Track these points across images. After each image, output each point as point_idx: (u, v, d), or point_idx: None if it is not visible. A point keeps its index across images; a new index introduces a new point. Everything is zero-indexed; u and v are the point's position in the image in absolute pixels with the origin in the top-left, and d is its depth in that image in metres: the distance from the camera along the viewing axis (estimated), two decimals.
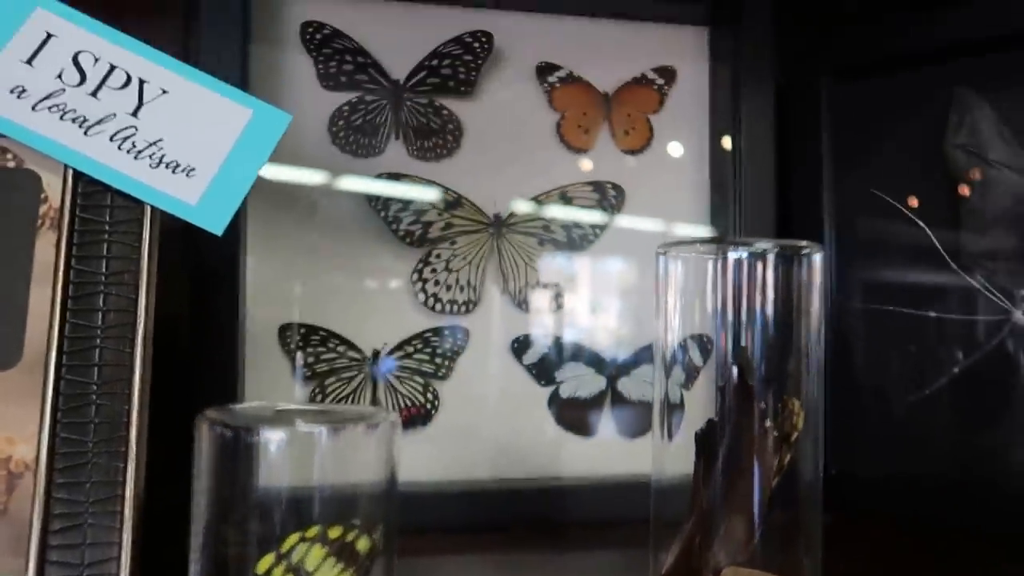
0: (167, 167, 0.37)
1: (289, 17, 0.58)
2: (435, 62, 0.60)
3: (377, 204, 0.58)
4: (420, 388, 0.58)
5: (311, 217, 0.57)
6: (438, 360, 0.58)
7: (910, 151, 0.62)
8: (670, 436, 0.38)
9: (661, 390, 0.38)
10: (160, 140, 0.37)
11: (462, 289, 0.59)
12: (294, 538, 0.31)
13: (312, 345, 0.57)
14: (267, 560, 0.30)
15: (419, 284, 0.59)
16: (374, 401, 0.57)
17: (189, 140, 0.38)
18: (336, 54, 0.59)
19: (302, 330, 0.57)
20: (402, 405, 0.58)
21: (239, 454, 0.27)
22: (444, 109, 0.60)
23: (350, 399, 0.57)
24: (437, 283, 0.59)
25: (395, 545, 0.29)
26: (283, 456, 0.27)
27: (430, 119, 0.60)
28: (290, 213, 0.57)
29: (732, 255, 0.35)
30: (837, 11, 0.66)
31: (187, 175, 0.37)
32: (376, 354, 0.58)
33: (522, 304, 0.60)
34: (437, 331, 0.59)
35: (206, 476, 0.28)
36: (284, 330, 0.56)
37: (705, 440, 0.36)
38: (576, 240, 0.62)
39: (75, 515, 0.32)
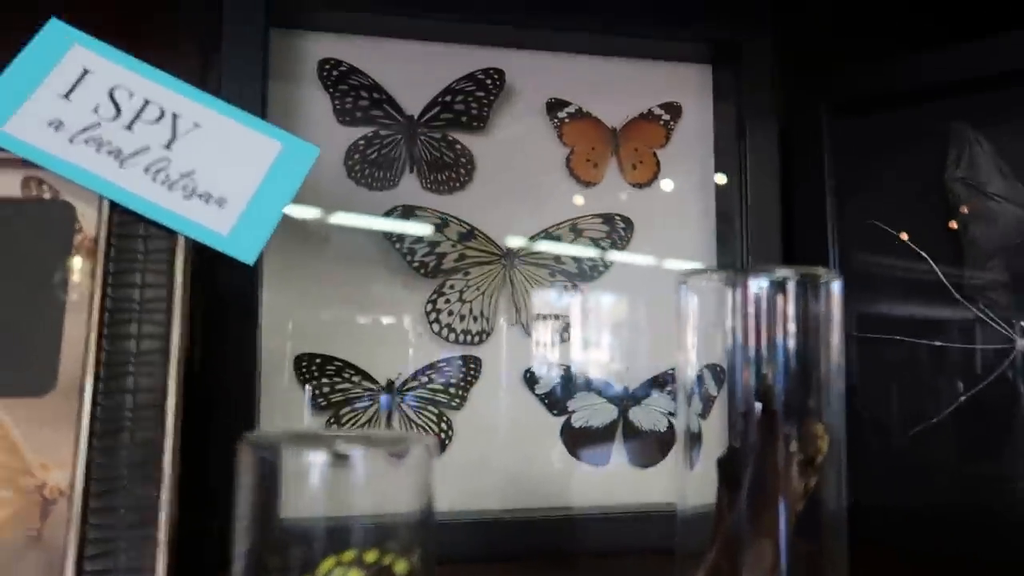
0: (199, 198, 0.38)
1: (307, 54, 0.60)
2: (448, 98, 0.62)
3: (392, 236, 0.59)
4: (434, 418, 0.58)
5: (326, 249, 0.58)
6: (452, 390, 0.59)
7: (911, 184, 0.63)
8: (692, 465, 0.39)
9: (684, 419, 0.38)
10: (193, 172, 0.38)
11: (475, 319, 0.60)
12: (330, 562, 0.31)
13: (327, 375, 0.57)
14: None
15: (433, 314, 0.59)
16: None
17: (221, 172, 0.39)
18: (352, 90, 0.60)
19: (317, 360, 0.57)
20: None
21: (280, 477, 0.28)
22: (457, 143, 0.62)
23: (365, 428, 0.57)
24: (451, 313, 0.60)
25: (433, 570, 0.29)
26: (323, 479, 0.28)
27: (443, 153, 0.61)
28: (305, 245, 0.58)
29: (752, 283, 0.36)
30: (837, 49, 0.68)
31: (219, 206, 0.38)
32: (390, 384, 0.58)
33: (534, 334, 0.61)
34: (450, 361, 0.59)
35: (247, 500, 0.28)
36: (299, 360, 0.57)
37: (728, 467, 0.37)
38: (587, 271, 0.63)
39: (109, 540, 0.32)
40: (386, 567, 0.30)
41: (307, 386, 0.57)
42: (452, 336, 0.59)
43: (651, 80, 0.66)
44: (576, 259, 0.63)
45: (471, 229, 0.61)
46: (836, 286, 0.36)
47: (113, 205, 0.37)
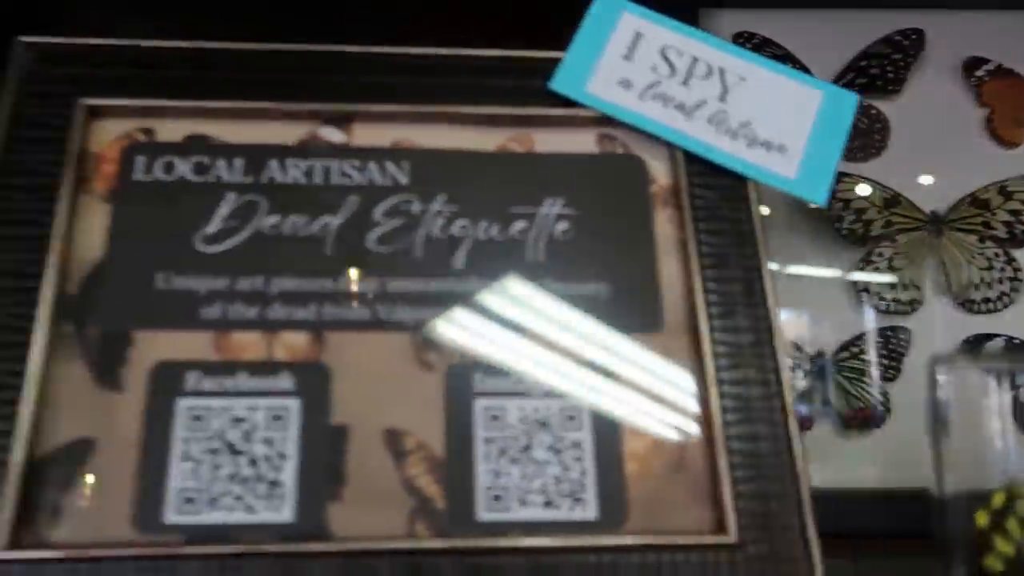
0: (761, 146, 0.39)
1: (724, 27, 0.61)
2: (864, 62, 0.60)
3: None
4: (870, 390, 0.56)
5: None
6: (885, 361, 0.57)
7: None
8: None
9: None
10: (750, 122, 0.39)
11: (905, 288, 0.58)
12: (1000, 497, 0.31)
13: None
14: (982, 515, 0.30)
15: (862, 283, 0.58)
16: (824, 401, 0.56)
17: (774, 120, 0.39)
18: None
19: None
20: (853, 407, 0.56)
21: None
22: (872, 108, 0.60)
23: (795, 399, 0.56)
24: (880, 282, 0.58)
25: None
26: None
27: (858, 119, 0.60)
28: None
29: None
30: None
31: (780, 152, 0.39)
32: (820, 354, 0.57)
33: (966, 304, 0.58)
34: (881, 331, 0.57)
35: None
36: None
37: None
38: (1020, 236, 0.58)
39: (751, 466, 0.33)
40: None
41: None
42: (883, 305, 0.57)
43: None
44: (1007, 223, 0.59)
45: (895, 195, 0.59)
46: None
47: (687, 156, 0.39)
